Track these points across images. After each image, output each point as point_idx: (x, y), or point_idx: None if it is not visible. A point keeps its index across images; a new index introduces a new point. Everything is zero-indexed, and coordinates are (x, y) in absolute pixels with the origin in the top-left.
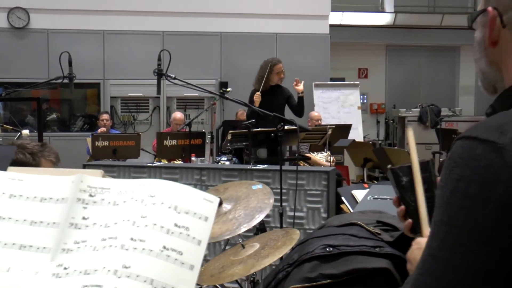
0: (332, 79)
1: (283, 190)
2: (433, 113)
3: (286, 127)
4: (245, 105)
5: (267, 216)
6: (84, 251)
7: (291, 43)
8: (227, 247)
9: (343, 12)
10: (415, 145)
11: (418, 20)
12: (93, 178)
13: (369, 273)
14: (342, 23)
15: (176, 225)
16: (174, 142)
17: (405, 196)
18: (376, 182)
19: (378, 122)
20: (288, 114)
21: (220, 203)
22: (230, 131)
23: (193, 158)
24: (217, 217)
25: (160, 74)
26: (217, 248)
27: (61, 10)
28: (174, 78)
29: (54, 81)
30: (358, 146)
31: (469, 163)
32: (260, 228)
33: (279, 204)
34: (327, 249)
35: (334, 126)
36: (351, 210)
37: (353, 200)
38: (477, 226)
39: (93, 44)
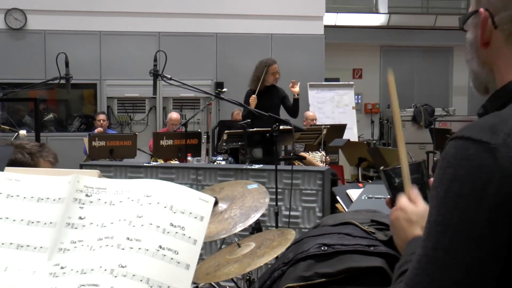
0: (326, 80)
1: (279, 190)
2: (427, 113)
3: (281, 127)
4: (241, 105)
5: (263, 215)
6: (81, 250)
7: (286, 43)
8: (223, 246)
9: (337, 13)
10: (395, 91)
11: (412, 21)
12: (90, 178)
13: (364, 271)
14: (337, 24)
15: (172, 224)
16: (170, 142)
17: (398, 196)
18: (370, 181)
19: (372, 122)
20: (284, 114)
21: (216, 203)
22: (226, 131)
23: (189, 158)
24: (213, 217)
25: (156, 75)
26: (213, 247)
27: (57, 11)
28: (170, 79)
29: (51, 81)
30: (353, 146)
31: (462, 163)
32: (256, 227)
33: (274, 203)
34: (322, 248)
35: (329, 126)
36: (346, 209)
37: (348, 200)
38: (471, 226)
39: (90, 45)
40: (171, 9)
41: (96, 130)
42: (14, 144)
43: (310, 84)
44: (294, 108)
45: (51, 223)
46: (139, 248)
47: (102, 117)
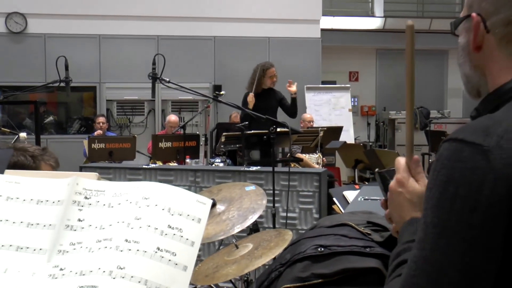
0: (323, 82)
1: (276, 191)
2: (422, 115)
3: (278, 130)
4: (238, 108)
5: (260, 216)
6: (80, 252)
7: (283, 47)
8: (221, 247)
9: (334, 16)
10: (413, 43)
11: None
12: (89, 180)
13: (360, 272)
14: (333, 28)
15: (169, 226)
16: (169, 144)
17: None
18: (367, 183)
19: (368, 124)
20: (282, 116)
21: (214, 204)
22: (224, 134)
23: (187, 160)
24: (211, 218)
25: (154, 78)
26: (211, 248)
27: (57, 15)
28: (169, 82)
29: (51, 84)
30: (349, 148)
31: (456, 165)
32: (253, 229)
33: (271, 205)
34: (319, 249)
35: (325, 128)
36: (343, 211)
37: (344, 201)
38: (466, 227)
39: (89, 48)
40: (170, 13)
41: (95, 133)
42: (16, 147)
43: (307, 87)
44: (292, 107)
45: (50, 225)
46: (138, 250)
47: (101, 119)
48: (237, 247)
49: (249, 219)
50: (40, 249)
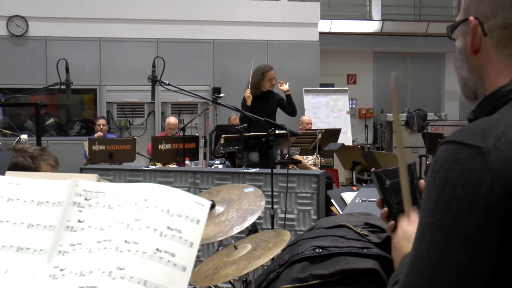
0: (321, 85)
1: (274, 193)
2: (420, 117)
3: (276, 132)
4: (237, 110)
5: (259, 218)
6: (80, 253)
7: (282, 50)
8: (220, 248)
9: (332, 20)
10: (397, 94)
11: (404, 28)
12: (88, 182)
13: (357, 273)
14: (331, 31)
15: (168, 227)
16: (168, 146)
17: (388, 198)
18: (364, 184)
19: (366, 126)
20: (281, 117)
21: (213, 206)
22: (223, 136)
23: (187, 162)
24: (210, 219)
25: (154, 81)
26: (210, 249)
27: (58, 18)
28: (168, 84)
29: (51, 87)
30: (347, 150)
31: (454, 167)
32: (252, 230)
33: (270, 206)
34: (317, 250)
35: (323, 131)
36: (341, 212)
37: (342, 202)
38: (463, 227)
39: (90, 51)
40: (170, 16)
41: (96, 135)
42: (16, 148)
43: (306, 90)
44: (289, 105)
45: (50, 226)
46: (137, 251)
47: (102, 121)
48: (236, 248)
49: (248, 220)
50: (41, 249)
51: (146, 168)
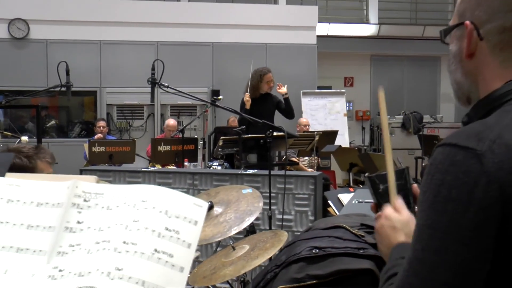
0: (319, 87)
1: (272, 194)
2: (416, 120)
3: (274, 134)
4: (236, 112)
5: (257, 219)
6: (79, 254)
7: (280, 53)
8: (218, 249)
9: (329, 23)
10: (385, 107)
11: (401, 31)
12: (88, 183)
13: (353, 273)
14: (329, 34)
15: (167, 229)
16: (167, 147)
17: (382, 202)
18: (361, 186)
19: (363, 128)
20: (280, 119)
21: (211, 207)
22: (222, 137)
23: (186, 163)
24: (208, 220)
25: (153, 83)
26: (208, 249)
27: (59, 21)
28: (167, 87)
29: (52, 89)
30: (344, 152)
31: (450, 169)
32: (250, 231)
33: (268, 207)
34: (314, 251)
35: (321, 133)
36: (337, 213)
37: (339, 204)
38: (459, 229)
39: (90, 53)
40: (169, 19)
41: (96, 136)
42: (10, 149)
43: (303, 92)
44: (287, 108)
45: (50, 227)
46: (135, 252)
47: (102, 123)
48: (234, 248)
49: (245, 221)
50: (40, 250)
51: (146, 169)
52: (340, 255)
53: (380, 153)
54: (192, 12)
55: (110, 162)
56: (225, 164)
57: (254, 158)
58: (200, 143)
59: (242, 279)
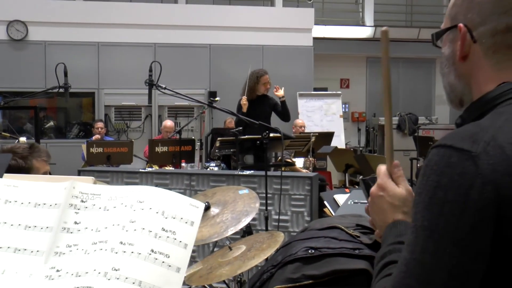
0: (315, 89)
1: (268, 195)
2: (411, 121)
3: (271, 135)
4: (233, 113)
5: (253, 219)
6: (76, 254)
7: (277, 54)
8: (215, 249)
9: (326, 25)
10: (388, 47)
11: (396, 34)
12: (85, 184)
13: (349, 273)
14: (325, 36)
15: (163, 229)
16: (165, 148)
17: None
18: (356, 187)
19: (359, 129)
20: (276, 121)
21: (208, 207)
22: (219, 138)
23: (183, 164)
24: (205, 221)
25: (151, 84)
26: (205, 250)
27: (57, 23)
28: (165, 88)
29: (50, 90)
30: (340, 153)
31: (445, 171)
32: (247, 231)
33: (264, 208)
34: (309, 251)
35: (317, 134)
36: (333, 214)
37: (335, 204)
38: (455, 230)
39: (88, 55)
40: (166, 21)
41: (94, 137)
42: (4, 149)
43: (300, 94)
44: (284, 110)
45: (47, 227)
46: (132, 252)
47: (100, 124)
48: (230, 249)
49: (242, 222)
50: (38, 251)
51: (143, 170)
52: (335, 255)
53: (375, 154)
54: (189, 14)
55: (108, 163)
56: (222, 165)
57: (250, 159)
58: (197, 144)
59: (238, 279)
